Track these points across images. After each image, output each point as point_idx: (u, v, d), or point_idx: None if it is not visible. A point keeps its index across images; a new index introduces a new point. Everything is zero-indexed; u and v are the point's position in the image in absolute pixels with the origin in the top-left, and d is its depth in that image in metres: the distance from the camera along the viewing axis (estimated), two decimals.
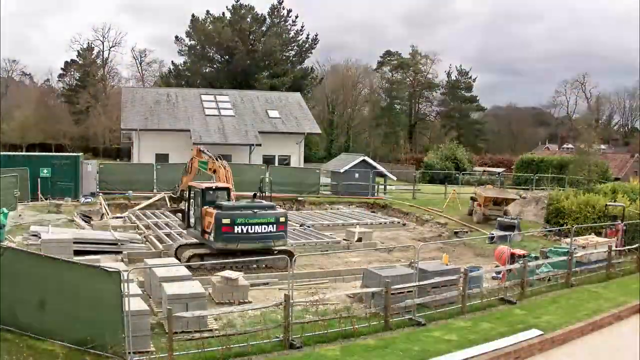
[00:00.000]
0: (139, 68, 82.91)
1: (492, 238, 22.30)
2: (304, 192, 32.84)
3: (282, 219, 16.99)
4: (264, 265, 17.05)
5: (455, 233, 24.87)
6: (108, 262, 14.00)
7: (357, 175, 34.97)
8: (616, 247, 18.30)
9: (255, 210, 16.64)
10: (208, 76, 66.97)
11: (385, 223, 27.22)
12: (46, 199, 26.16)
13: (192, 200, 18.44)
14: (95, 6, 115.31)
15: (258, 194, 19.01)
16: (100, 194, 28.82)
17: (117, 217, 26.08)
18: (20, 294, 9.88)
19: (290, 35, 70.04)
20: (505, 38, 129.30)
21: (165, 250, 18.61)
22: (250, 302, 12.88)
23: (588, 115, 79.05)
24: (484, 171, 50.34)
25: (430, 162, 51.15)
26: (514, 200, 28.33)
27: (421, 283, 12.67)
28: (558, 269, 15.98)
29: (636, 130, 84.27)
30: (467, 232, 25.18)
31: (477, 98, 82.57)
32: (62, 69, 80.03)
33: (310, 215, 28.17)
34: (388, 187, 37.22)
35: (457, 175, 43.59)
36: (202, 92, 45.46)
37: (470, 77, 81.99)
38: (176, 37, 69.80)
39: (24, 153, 33.30)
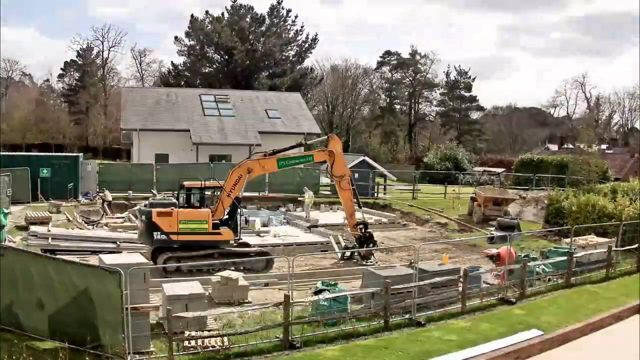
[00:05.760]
0: (139, 68, 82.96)
1: (491, 238, 22.30)
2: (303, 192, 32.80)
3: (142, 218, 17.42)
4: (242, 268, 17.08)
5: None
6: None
7: (357, 175, 34.93)
8: None
9: None
10: (208, 76, 66.90)
11: (386, 223, 27.21)
12: (46, 199, 26.14)
13: None
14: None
15: None
16: (99, 194, 28.80)
17: (117, 217, 26.09)
18: (20, 294, 9.88)
19: (290, 35, 70.00)
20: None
21: None
22: (250, 302, 12.88)
23: (588, 116, 79.10)
24: (484, 171, 50.24)
25: (430, 162, 51.14)
26: (513, 200, 28.34)
27: (421, 283, 12.67)
28: (558, 269, 15.99)
29: (636, 130, 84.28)
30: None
31: (477, 98, 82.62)
32: (61, 69, 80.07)
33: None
34: (388, 187, 37.21)
35: (457, 175, 43.58)
36: (202, 92, 45.48)
37: (470, 77, 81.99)
38: (175, 37, 69.88)
39: (24, 153, 33.23)
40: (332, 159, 18.47)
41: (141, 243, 17.80)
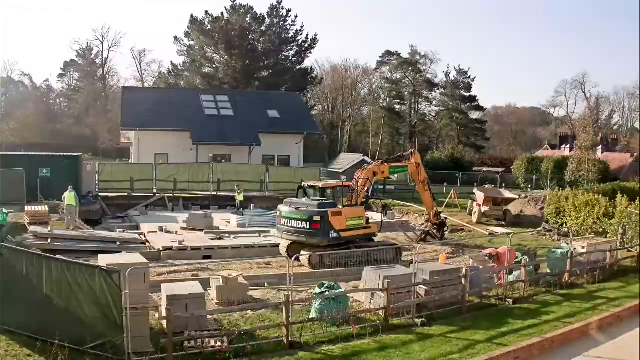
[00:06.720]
0: (139, 68, 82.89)
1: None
2: None
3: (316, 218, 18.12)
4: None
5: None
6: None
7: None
8: None
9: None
10: (208, 76, 66.86)
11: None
12: (46, 200, 26.13)
13: None
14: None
15: None
16: (99, 194, 28.81)
17: (117, 217, 26.10)
18: (20, 294, 9.88)
19: (290, 35, 69.94)
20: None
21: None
22: (250, 302, 12.87)
23: (587, 115, 78.95)
24: (484, 171, 50.22)
25: (430, 162, 51.08)
26: (513, 200, 28.34)
27: (421, 283, 12.66)
28: (558, 269, 15.98)
29: (636, 130, 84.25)
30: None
31: (477, 98, 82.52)
32: (61, 69, 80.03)
33: None
34: (388, 187, 37.19)
35: (457, 175, 43.53)
36: (202, 92, 45.44)
37: (470, 77, 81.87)
38: (175, 37, 69.80)
39: (24, 153, 33.22)
40: (419, 170, 22.23)
41: (315, 243, 17.77)
